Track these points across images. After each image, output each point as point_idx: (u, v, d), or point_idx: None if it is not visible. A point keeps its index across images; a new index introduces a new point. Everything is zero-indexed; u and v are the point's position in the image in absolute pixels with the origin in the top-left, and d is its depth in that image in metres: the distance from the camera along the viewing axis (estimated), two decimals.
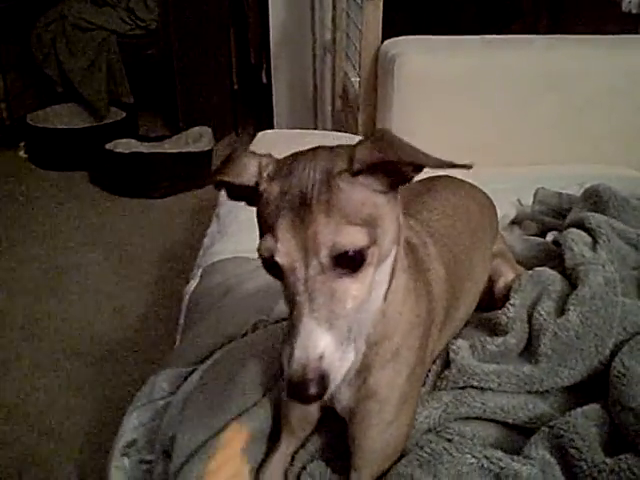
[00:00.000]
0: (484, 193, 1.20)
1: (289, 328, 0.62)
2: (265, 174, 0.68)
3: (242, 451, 0.88)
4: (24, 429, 1.90)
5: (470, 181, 1.20)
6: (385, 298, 0.75)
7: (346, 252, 0.62)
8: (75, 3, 3.74)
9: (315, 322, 0.60)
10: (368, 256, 0.63)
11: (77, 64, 3.68)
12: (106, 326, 2.37)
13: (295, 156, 0.68)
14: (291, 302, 0.63)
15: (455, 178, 1.17)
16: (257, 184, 0.68)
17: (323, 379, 0.59)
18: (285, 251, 0.62)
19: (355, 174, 0.64)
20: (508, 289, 1.07)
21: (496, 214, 1.21)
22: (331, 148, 0.68)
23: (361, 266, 0.63)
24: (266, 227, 0.65)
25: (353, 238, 0.62)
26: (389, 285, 0.75)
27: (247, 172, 0.69)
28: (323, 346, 0.59)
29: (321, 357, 0.59)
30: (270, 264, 0.65)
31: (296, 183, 0.64)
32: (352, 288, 0.63)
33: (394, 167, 0.65)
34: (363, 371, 0.79)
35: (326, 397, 0.60)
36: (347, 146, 0.68)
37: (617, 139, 2.06)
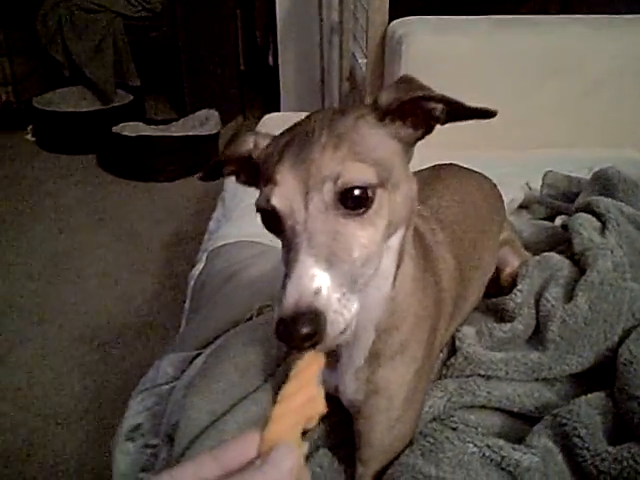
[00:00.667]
0: (490, 181, 1.18)
1: (286, 270, 0.56)
2: (261, 146, 0.68)
3: None
4: (31, 413, 1.91)
5: (478, 164, 1.19)
6: (394, 284, 0.72)
7: (352, 188, 0.57)
8: None
9: (313, 259, 0.54)
10: (377, 198, 0.59)
11: (83, 47, 3.66)
12: (113, 310, 2.37)
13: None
14: (289, 250, 0.57)
15: (461, 166, 1.16)
16: (251, 154, 0.69)
17: (317, 317, 0.51)
18: (283, 192, 0.58)
19: (381, 117, 0.62)
20: (514, 277, 1.05)
21: (503, 202, 1.20)
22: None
23: (369, 208, 0.58)
24: (264, 181, 0.61)
25: (361, 173, 0.58)
26: (397, 269, 0.72)
27: (244, 146, 0.70)
28: (319, 282, 0.53)
29: (316, 293, 0.52)
30: (268, 216, 0.60)
31: (302, 130, 0.62)
32: (358, 234, 0.58)
33: (419, 109, 0.63)
34: (371, 363, 0.76)
35: (323, 346, 0.53)
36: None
37: (626, 121, 2.03)
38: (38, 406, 1.94)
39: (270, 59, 3.71)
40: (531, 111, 2.02)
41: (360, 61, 2.56)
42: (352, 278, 0.56)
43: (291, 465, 0.44)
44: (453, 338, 0.97)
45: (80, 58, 3.66)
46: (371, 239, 0.59)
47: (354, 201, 0.58)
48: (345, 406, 0.82)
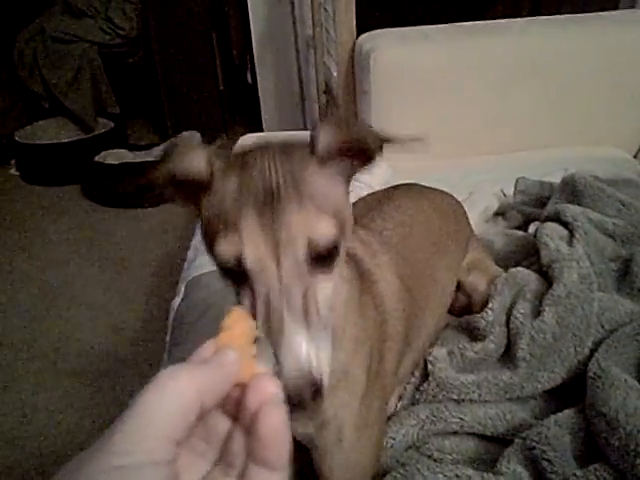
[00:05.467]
0: (452, 198, 1.18)
1: (267, 334, 0.55)
2: (216, 167, 0.60)
3: None
4: (26, 452, 1.90)
5: (452, 172, 1.18)
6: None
7: (322, 245, 0.57)
8: (53, 16, 3.71)
9: (296, 326, 0.54)
10: (340, 249, 0.59)
11: (61, 78, 3.66)
12: (104, 341, 2.36)
13: (249, 150, 0.62)
14: (262, 308, 0.56)
15: (419, 185, 1.15)
16: (206, 179, 0.60)
17: (316, 384, 0.53)
18: (254, 252, 0.56)
19: (322, 160, 0.60)
20: (484, 302, 1.04)
21: (467, 219, 1.19)
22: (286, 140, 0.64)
23: (334, 261, 0.59)
24: (224, 228, 0.57)
25: (328, 229, 0.57)
26: None
27: (194, 164, 0.60)
28: (311, 356, 0.54)
29: (311, 368, 0.53)
30: (230, 269, 0.58)
31: (257, 175, 0.58)
32: (326, 287, 0.58)
33: (355, 148, 0.61)
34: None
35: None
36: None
37: (601, 119, 2.03)
38: (33, 445, 1.92)
39: (249, 77, 3.71)
40: (504, 115, 2.02)
41: (335, 74, 2.56)
42: (327, 329, 0.57)
43: (233, 369, 0.42)
44: (425, 361, 0.97)
45: (58, 89, 3.66)
46: (336, 288, 0.60)
47: (324, 257, 0.58)
48: (299, 441, 0.80)
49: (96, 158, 3.38)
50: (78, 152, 3.57)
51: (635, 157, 2.01)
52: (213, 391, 0.41)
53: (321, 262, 0.58)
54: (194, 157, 0.61)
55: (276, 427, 0.40)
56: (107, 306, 2.56)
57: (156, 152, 3.48)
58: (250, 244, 0.56)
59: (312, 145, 0.61)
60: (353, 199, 1.24)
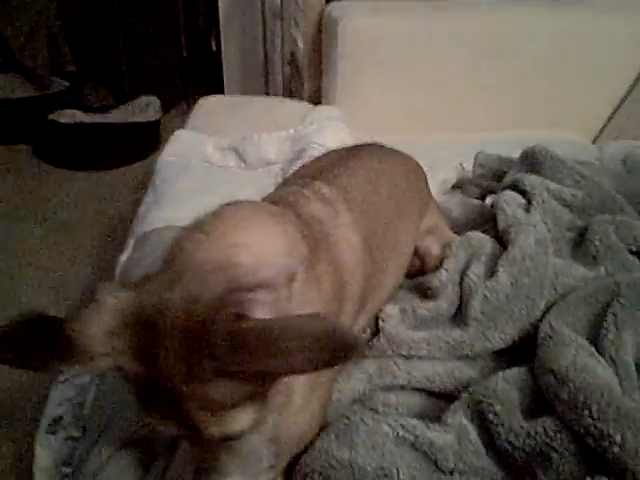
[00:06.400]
0: (414, 161, 1.15)
1: None
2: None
3: None
4: None
5: (413, 148, 1.16)
6: None
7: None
8: None
9: None
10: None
11: (16, 31, 3.51)
12: (49, 301, 2.28)
13: (146, 327, 0.55)
14: None
15: (384, 146, 1.13)
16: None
17: None
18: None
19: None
20: (438, 266, 1.03)
21: (426, 183, 1.17)
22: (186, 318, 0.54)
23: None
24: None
25: (240, 424, 0.56)
26: None
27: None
28: None
29: None
30: None
31: (156, 372, 0.54)
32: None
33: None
34: None
35: None
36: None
37: (563, 102, 2.05)
38: None
39: (213, 44, 3.63)
40: (468, 93, 2.02)
41: (301, 46, 2.52)
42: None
43: None
44: (376, 317, 0.95)
45: (13, 43, 3.51)
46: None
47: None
48: None
49: (49, 117, 3.26)
50: (30, 110, 3.43)
51: (593, 142, 2.03)
52: None
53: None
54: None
55: None
56: (54, 266, 2.48)
57: (113, 114, 3.38)
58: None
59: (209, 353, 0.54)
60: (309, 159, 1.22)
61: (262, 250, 0.63)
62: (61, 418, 1.03)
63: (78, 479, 0.87)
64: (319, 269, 0.76)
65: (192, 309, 0.54)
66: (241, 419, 0.55)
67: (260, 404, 0.57)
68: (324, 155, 1.11)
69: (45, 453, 0.99)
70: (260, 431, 0.62)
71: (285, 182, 1.04)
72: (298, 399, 0.74)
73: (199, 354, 0.52)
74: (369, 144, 1.10)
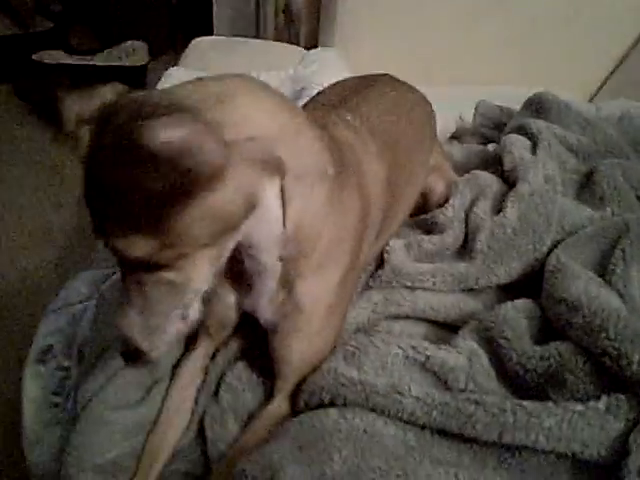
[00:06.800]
0: (423, 95, 1.14)
1: None
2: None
3: None
4: None
5: None
6: (284, 225, 0.66)
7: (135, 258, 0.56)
8: None
9: (128, 305, 0.61)
10: (163, 259, 0.57)
11: None
12: (30, 243, 2.24)
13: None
14: None
15: (397, 78, 1.11)
16: None
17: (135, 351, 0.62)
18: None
19: None
20: (441, 204, 1.03)
21: (434, 117, 1.16)
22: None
23: (161, 268, 0.58)
24: None
25: (134, 248, 0.55)
26: (283, 213, 0.65)
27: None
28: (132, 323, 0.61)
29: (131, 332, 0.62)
30: None
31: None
32: (166, 290, 0.60)
33: None
34: (284, 286, 0.73)
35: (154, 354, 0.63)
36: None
37: (563, 61, 2.03)
38: None
39: None
40: (469, 46, 1.98)
41: None
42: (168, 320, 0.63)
43: None
44: (382, 251, 0.94)
45: None
46: (182, 292, 0.62)
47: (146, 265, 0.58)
48: (262, 325, 0.78)
49: (33, 57, 3.16)
50: (12, 49, 3.32)
51: (590, 101, 2.02)
52: None
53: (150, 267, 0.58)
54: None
55: None
56: (36, 208, 2.43)
57: (98, 57, 3.30)
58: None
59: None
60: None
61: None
62: (51, 347, 1.01)
63: (72, 405, 0.86)
64: (348, 194, 0.74)
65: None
66: (135, 244, 0.55)
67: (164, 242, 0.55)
68: (339, 83, 1.09)
69: (34, 383, 0.97)
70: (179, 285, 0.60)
71: (304, 108, 0.98)
72: (317, 321, 0.74)
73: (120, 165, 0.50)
74: (383, 75, 1.08)
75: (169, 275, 0.58)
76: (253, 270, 0.73)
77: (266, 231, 0.66)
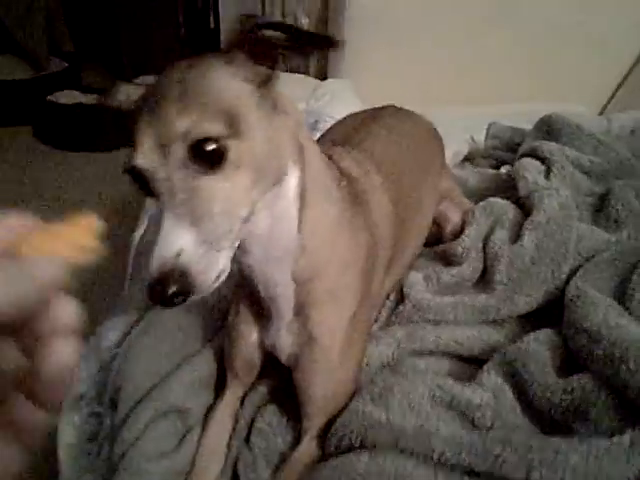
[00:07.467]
0: (429, 123, 1.16)
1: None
2: (132, 97, 0.65)
3: None
4: None
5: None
6: (300, 229, 0.69)
7: (201, 142, 0.56)
8: None
9: (174, 219, 0.55)
10: (231, 151, 0.58)
11: (13, 12, 3.47)
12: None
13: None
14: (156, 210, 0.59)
15: (402, 108, 1.13)
16: (121, 106, 0.67)
17: (182, 277, 0.53)
18: (142, 152, 0.58)
19: (228, 60, 0.61)
20: (457, 233, 1.04)
21: (442, 145, 1.18)
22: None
23: (224, 162, 0.58)
24: (129, 138, 0.60)
25: (208, 126, 0.57)
26: (299, 213, 0.69)
27: (116, 97, 0.69)
28: (181, 243, 0.54)
29: (179, 254, 0.54)
30: (136, 177, 0.60)
31: (157, 84, 0.61)
32: (216, 187, 0.58)
33: (261, 41, 0.61)
34: (300, 313, 0.75)
35: (192, 299, 0.55)
36: None
37: (571, 75, 2.04)
38: None
39: (212, 21, 3.59)
40: (476, 65, 2.01)
41: (303, 21, 2.49)
42: (217, 233, 0.57)
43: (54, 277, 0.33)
44: (401, 285, 0.95)
45: (10, 23, 3.47)
46: (231, 193, 0.59)
47: (207, 156, 0.57)
48: (284, 362, 0.80)
49: (48, 98, 3.23)
50: (29, 91, 3.41)
51: (600, 114, 2.03)
52: None
53: (208, 163, 0.57)
54: (117, 91, 0.69)
55: (60, 365, 0.33)
56: None
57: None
58: (139, 147, 0.58)
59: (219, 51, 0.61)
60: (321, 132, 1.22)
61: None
62: (83, 395, 1.04)
63: (109, 452, 0.88)
64: (356, 221, 0.78)
65: None
66: (209, 123, 0.57)
67: (234, 128, 0.58)
68: (345, 119, 1.11)
69: (69, 430, 0.99)
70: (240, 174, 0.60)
71: None
72: (334, 353, 0.76)
73: None
74: (387, 107, 1.10)
75: (217, 180, 0.58)
76: (269, 295, 0.75)
77: (284, 228, 0.69)
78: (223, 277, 0.57)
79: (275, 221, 0.67)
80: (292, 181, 0.67)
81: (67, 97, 3.26)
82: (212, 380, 0.91)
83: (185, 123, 0.56)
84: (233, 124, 0.58)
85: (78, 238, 0.38)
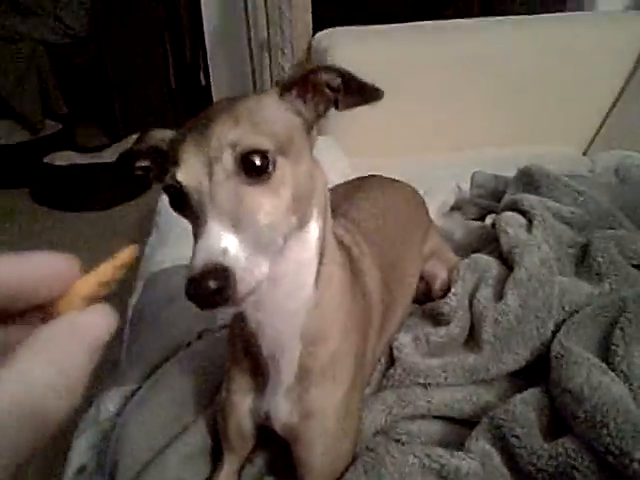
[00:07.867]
0: (412, 188, 1.20)
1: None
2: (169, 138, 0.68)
3: None
4: None
5: (410, 170, 1.20)
6: (317, 284, 0.71)
7: (250, 154, 0.58)
8: None
9: (219, 222, 0.55)
10: (278, 166, 0.60)
11: (7, 78, 3.56)
12: None
13: None
14: (198, 221, 0.57)
15: (382, 177, 1.17)
16: (159, 145, 0.69)
17: (225, 273, 0.51)
18: (187, 167, 0.59)
19: (282, 93, 0.65)
20: (445, 291, 1.06)
21: (425, 209, 1.21)
22: None
23: (271, 175, 0.59)
24: (171, 162, 0.62)
25: (258, 140, 0.59)
26: (318, 267, 0.71)
27: (154, 138, 0.70)
28: (226, 242, 0.53)
29: (224, 252, 0.53)
30: (175, 195, 0.60)
31: (204, 114, 0.63)
32: (262, 200, 0.59)
33: (318, 84, 0.65)
34: (302, 380, 0.75)
35: (234, 302, 0.53)
36: None
37: (552, 117, 2.09)
38: None
39: (202, 78, 3.67)
40: (460, 113, 2.05)
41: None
42: (260, 242, 0.57)
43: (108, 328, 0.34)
44: (390, 347, 0.97)
45: (4, 89, 3.55)
46: (275, 206, 0.60)
47: (254, 167, 0.59)
48: (280, 433, 0.80)
49: (44, 160, 3.29)
50: (25, 154, 3.47)
51: (584, 154, 2.07)
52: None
53: (255, 174, 0.59)
54: (154, 134, 0.70)
55: None
56: None
57: (107, 153, 3.41)
58: (184, 163, 0.59)
59: (279, 80, 0.65)
60: None
61: None
62: (85, 467, 1.04)
63: None
64: (354, 289, 0.79)
65: None
66: (259, 138, 0.60)
67: (281, 146, 0.61)
68: (331, 190, 1.14)
69: None
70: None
71: None
72: (333, 426, 0.76)
73: None
74: (369, 176, 1.14)
75: (263, 192, 0.59)
76: (272, 354, 0.74)
77: (305, 279, 0.70)
78: (261, 287, 0.56)
79: (298, 268, 0.68)
80: (315, 231, 0.69)
81: (63, 158, 3.31)
82: (208, 450, 0.91)
83: (236, 134, 0.59)
84: (282, 146, 0.61)
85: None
